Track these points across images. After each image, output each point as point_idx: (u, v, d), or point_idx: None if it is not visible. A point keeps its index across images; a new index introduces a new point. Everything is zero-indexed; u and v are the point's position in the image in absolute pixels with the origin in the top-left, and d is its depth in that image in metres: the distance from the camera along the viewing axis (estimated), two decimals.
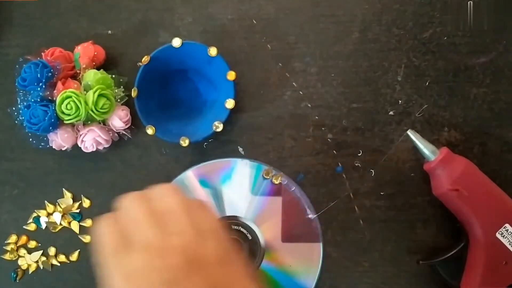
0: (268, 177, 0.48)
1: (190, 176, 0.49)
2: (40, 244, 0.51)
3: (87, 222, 0.50)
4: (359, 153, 0.49)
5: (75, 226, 0.50)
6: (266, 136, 0.50)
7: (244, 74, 0.49)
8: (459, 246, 0.46)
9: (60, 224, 0.50)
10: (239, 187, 0.49)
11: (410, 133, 0.46)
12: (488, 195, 0.44)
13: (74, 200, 0.50)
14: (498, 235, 0.43)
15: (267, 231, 0.48)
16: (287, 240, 0.48)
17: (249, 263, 0.35)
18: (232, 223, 0.49)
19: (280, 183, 0.48)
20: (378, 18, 0.50)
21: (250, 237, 0.48)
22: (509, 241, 0.43)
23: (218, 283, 0.28)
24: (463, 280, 0.45)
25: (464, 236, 0.46)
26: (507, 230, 0.43)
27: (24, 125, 0.45)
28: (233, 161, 0.49)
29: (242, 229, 0.48)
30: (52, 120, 0.44)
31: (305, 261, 0.48)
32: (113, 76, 0.47)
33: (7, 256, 0.50)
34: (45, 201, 0.50)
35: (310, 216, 0.48)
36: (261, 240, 0.48)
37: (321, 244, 0.48)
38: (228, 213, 0.49)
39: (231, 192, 0.49)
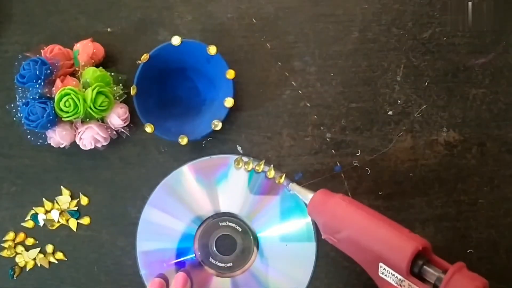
0: (239, 167, 0.48)
1: (186, 172, 0.49)
2: (37, 242, 0.50)
3: (85, 220, 0.50)
4: (358, 152, 0.49)
5: (73, 223, 0.50)
6: (265, 135, 0.50)
7: (243, 73, 0.49)
8: None
9: (58, 221, 0.50)
10: (235, 183, 0.49)
11: (290, 186, 0.46)
12: (356, 237, 0.39)
13: (72, 198, 0.50)
14: (381, 275, 0.39)
15: (263, 227, 0.49)
16: (282, 237, 0.49)
17: None
18: (220, 221, 0.49)
19: (279, 182, 0.48)
20: (378, 18, 0.50)
21: (240, 229, 0.49)
22: (392, 279, 0.38)
23: None
24: None
25: None
26: (384, 269, 0.38)
27: (23, 122, 0.45)
28: (230, 158, 0.49)
29: (230, 224, 0.49)
30: (51, 117, 0.44)
31: (299, 258, 0.49)
32: (112, 73, 0.47)
33: (4, 253, 0.50)
34: (43, 199, 0.50)
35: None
36: (253, 230, 0.49)
37: (315, 244, 0.48)
38: (223, 209, 0.49)
39: (226, 188, 0.49)
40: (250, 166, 0.48)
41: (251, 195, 0.49)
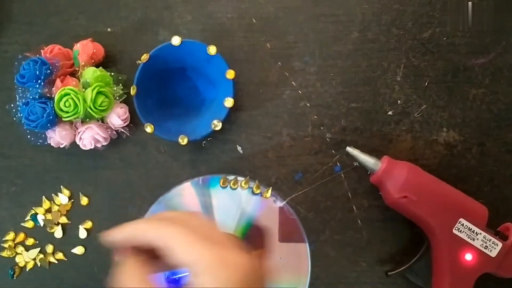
0: (225, 186, 0.48)
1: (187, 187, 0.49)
2: (37, 242, 0.50)
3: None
4: None
5: None
6: (265, 135, 0.50)
7: (243, 73, 0.49)
8: (421, 250, 0.46)
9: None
10: (229, 202, 0.48)
11: (349, 150, 0.46)
12: (437, 195, 0.44)
13: (72, 198, 0.50)
14: (455, 231, 0.43)
15: (257, 237, 0.48)
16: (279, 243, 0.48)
17: None
18: None
19: (269, 197, 0.48)
20: (378, 18, 0.50)
21: None
22: (466, 234, 0.43)
23: None
24: (433, 281, 0.45)
25: (425, 238, 0.46)
26: (462, 225, 0.43)
27: (23, 122, 0.45)
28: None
29: None
30: (51, 117, 0.44)
31: (295, 264, 0.48)
32: (112, 73, 0.47)
33: (4, 253, 0.50)
34: (43, 198, 0.50)
35: (279, 204, 0.48)
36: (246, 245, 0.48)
37: (307, 245, 0.48)
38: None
39: (220, 206, 0.48)
40: (269, 194, 0.48)
41: (244, 214, 0.48)
